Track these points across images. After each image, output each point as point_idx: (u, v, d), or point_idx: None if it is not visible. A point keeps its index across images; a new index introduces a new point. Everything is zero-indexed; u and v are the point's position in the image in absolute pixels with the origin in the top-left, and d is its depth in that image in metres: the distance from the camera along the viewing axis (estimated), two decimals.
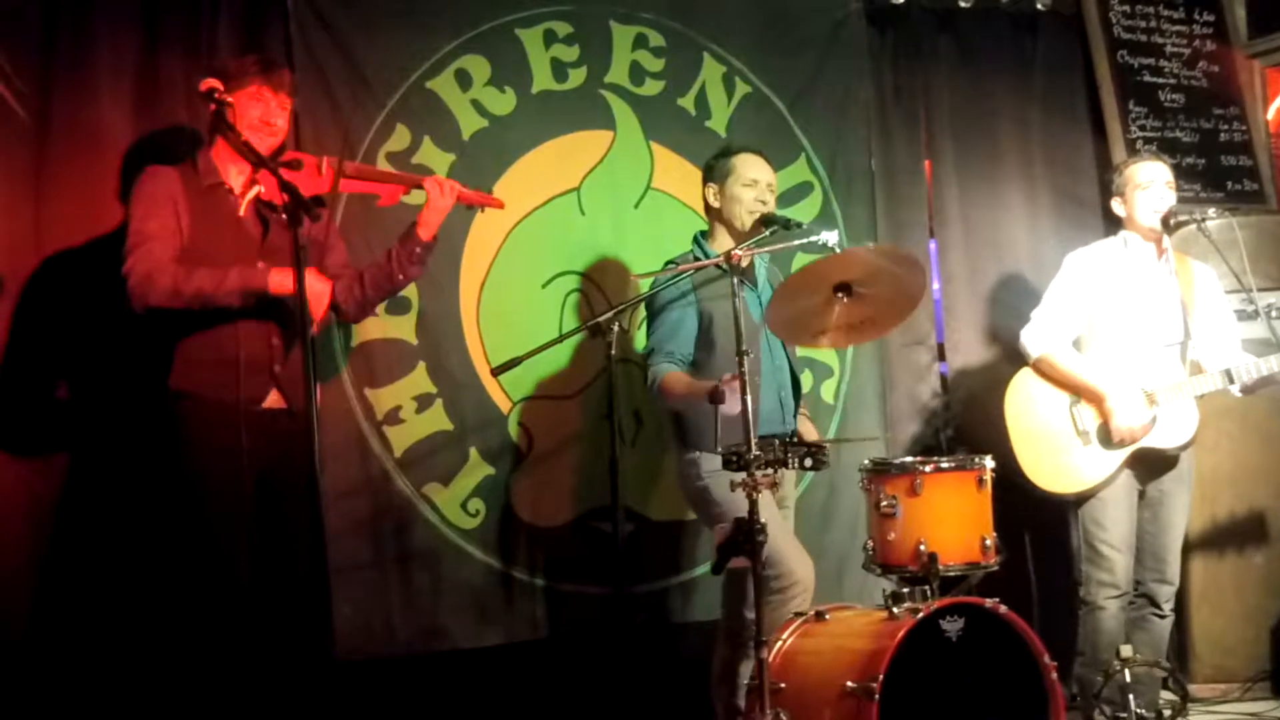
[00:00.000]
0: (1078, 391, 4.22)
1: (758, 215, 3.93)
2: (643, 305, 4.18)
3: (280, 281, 3.46)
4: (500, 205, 4.03)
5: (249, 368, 3.51)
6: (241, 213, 3.56)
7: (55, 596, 3.81)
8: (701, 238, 4.06)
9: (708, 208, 4.06)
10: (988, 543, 3.67)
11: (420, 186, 3.76)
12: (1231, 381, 4.13)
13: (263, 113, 3.54)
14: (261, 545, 3.54)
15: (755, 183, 3.97)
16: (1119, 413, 4.14)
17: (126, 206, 3.61)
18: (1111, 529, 4.21)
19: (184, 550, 3.55)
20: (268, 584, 3.54)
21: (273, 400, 3.58)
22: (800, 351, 4.39)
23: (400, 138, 4.29)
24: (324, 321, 3.70)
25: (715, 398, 3.43)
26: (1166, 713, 4.21)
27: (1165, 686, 4.37)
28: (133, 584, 3.83)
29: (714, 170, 4.04)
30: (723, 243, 3.98)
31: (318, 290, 3.52)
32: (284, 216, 3.58)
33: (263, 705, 3.53)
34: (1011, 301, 5.02)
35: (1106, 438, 4.19)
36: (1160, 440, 4.18)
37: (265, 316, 3.53)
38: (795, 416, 4.00)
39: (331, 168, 3.62)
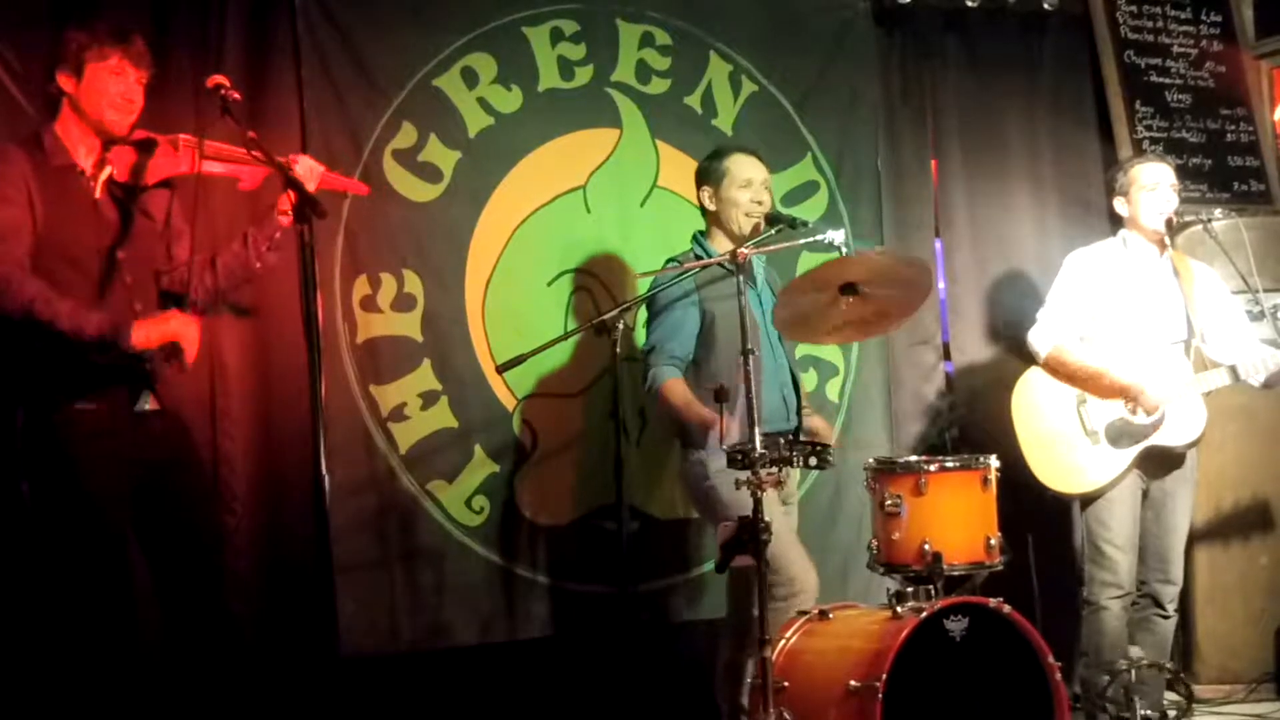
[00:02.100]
0: (1094, 381, 4.19)
1: (755, 217, 3.92)
2: (644, 304, 4.18)
3: (145, 335, 3.20)
4: (364, 191, 3.90)
5: (119, 370, 3.28)
6: (97, 195, 3.32)
7: None
8: (701, 236, 4.06)
9: (703, 210, 4.05)
10: (992, 542, 3.67)
11: (282, 169, 3.30)
12: (1237, 379, 4.12)
13: (123, 89, 3.30)
14: (156, 551, 3.39)
15: (750, 183, 3.96)
16: (1148, 388, 4.10)
17: None
18: (1115, 529, 4.20)
19: (65, 561, 3.29)
20: (172, 590, 3.39)
21: (144, 405, 3.34)
22: (804, 350, 4.40)
23: (407, 135, 4.30)
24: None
25: (720, 396, 3.42)
26: (1171, 713, 4.22)
27: (1170, 687, 4.36)
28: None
29: (708, 173, 4.02)
30: (721, 243, 3.97)
31: (188, 335, 3.24)
32: (142, 201, 3.38)
33: (267, 702, 3.54)
34: (1017, 301, 5.01)
35: (1116, 436, 4.18)
36: (1169, 438, 4.17)
37: (121, 378, 3.27)
38: (798, 414, 4.00)
39: (189, 146, 3.38)
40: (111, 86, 3.31)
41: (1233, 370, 4.12)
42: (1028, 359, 4.36)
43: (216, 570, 3.55)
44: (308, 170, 3.45)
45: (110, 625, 3.26)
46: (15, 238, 3.19)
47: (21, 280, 3.16)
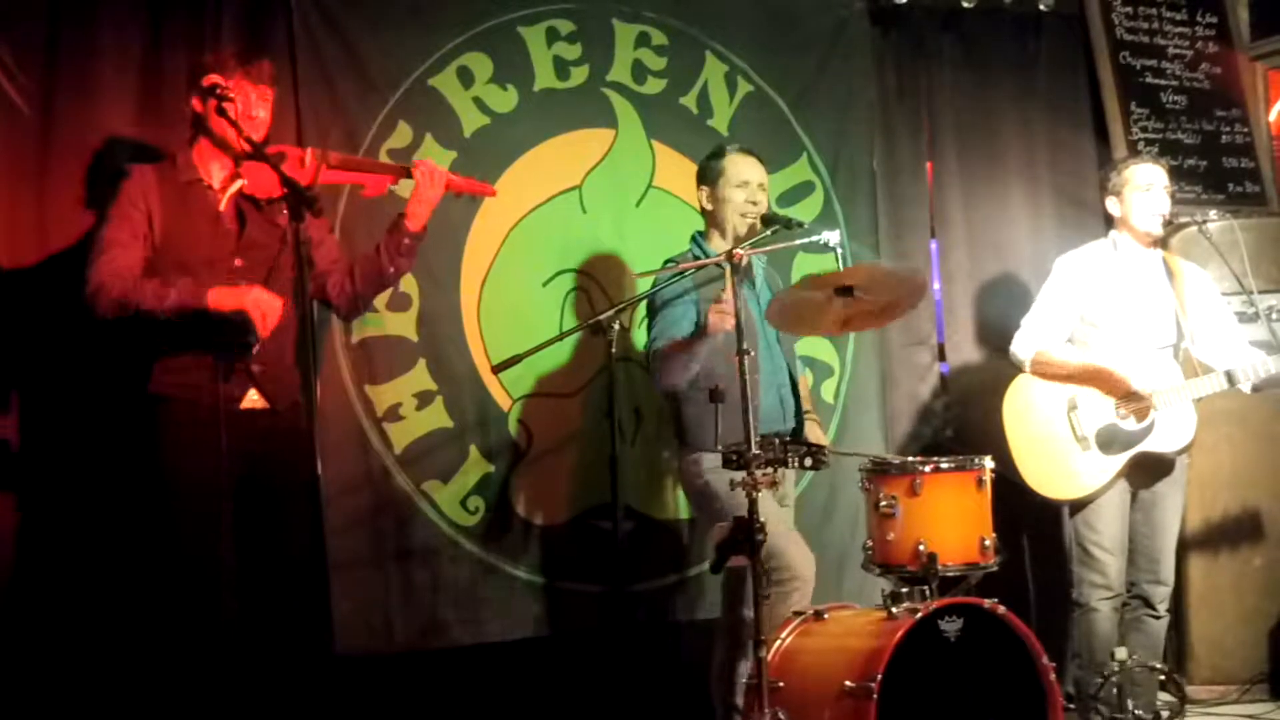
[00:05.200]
0: (1082, 376, 4.18)
1: (749, 217, 3.93)
2: (643, 304, 4.18)
3: (219, 299, 3.39)
4: (492, 193, 3.99)
5: (224, 368, 3.47)
6: (221, 208, 3.51)
7: (25, 603, 3.77)
8: (700, 237, 4.07)
9: (702, 209, 4.06)
10: (987, 543, 3.67)
11: (408, 175, 3.69)
12: (1232, 384, 4.12)
13: (244, 106, 3.47)
14: (251, 544, 3.53)
15: (746, 184, 3.98)
16: (1134, 377, 4.10)
17: (100, 210, 3.57)
18: (1104, 531, 4.20)
19: (159, 552, 3.52)
20: (261, 582, 3.53)
21: (251, 400, 3.54)
22: (801, 351, 4.39)
23: (402, 135, 4.30)
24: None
25: (715, 397, 3.43)
26: (1164, 714, 4.21)
27: (1163, 688, 4.37)
28: (105, 586, 3.80)
29: (706, 172, 4.04)
30: (719, 244, 3.98)
31: (267, 306, 3.41)
32: (268, 211, 3.56)
33: (262, 700, 3.53)
34: (1012, 302, 4.99)
35: (1106, 442, 4.18)
36: (1159, 444, 4.17)
37: (204, 343, 3.44)
38: (795, 417, 4.00)
39: (315, 159, 3.53)
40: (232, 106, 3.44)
41: (1229, 375, 4.11)
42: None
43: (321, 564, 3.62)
44: (432, 175, 3.66)
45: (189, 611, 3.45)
46: (126, 249, 3.44)
47: (114, 284, 3.39)
